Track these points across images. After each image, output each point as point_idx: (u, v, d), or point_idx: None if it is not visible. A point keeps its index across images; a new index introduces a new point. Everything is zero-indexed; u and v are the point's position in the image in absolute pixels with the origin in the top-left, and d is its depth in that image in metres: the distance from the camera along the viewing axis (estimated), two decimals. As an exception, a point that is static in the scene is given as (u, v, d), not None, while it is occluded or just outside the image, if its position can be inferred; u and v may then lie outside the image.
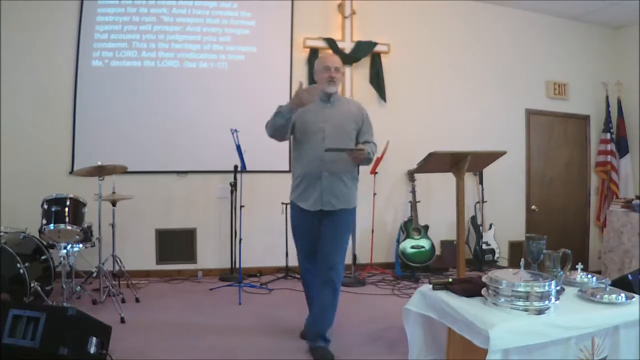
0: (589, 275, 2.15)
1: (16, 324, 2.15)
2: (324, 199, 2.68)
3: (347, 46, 5.02)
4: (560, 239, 5.24)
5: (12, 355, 2.11)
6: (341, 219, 2.74)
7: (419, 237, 4.85)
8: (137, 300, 3.73)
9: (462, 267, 2.75)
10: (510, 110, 5.64)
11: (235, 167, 4.43)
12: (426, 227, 4.93)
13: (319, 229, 2.73)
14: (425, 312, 2.07)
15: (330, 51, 4.93)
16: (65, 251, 3.25)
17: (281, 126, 2.60)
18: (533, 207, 5.70)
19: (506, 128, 5.58)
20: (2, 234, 3.35)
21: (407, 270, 4.81)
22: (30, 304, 2.86)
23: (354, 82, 5.06)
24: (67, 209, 3.32)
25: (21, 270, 3.09)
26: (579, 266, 2.19)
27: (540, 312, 1.70)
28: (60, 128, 4.49)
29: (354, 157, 2.67)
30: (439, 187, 5.12)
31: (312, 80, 4.93)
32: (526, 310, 1.70)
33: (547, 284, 1.74)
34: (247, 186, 4.51)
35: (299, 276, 3.66)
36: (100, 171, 3.48)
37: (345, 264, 5.13)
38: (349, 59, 5.01)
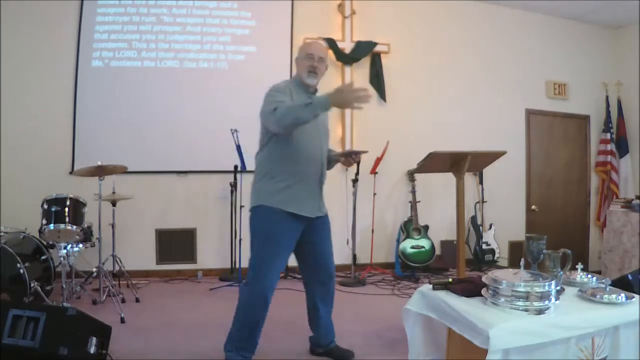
0: (589, 275, 2.14)
1: (16, 324, 2.15)
2: (320, 203, 2.52)
3: (347, 46, 5.02)
4: (560, 239, 5.23)
5: (12, 355, 2.11)
6: (328, 223, 2.62)
7: (419, 237, 4.85)
8: (137, 300, 3.73)
9: (462, 267, 2.75)
10: (510, 110, 5.64)
11: (235, 167, 4.43)
12: (426, 227, 4.93)
13: (307, 238, 2.50)
14: (425, 312, 2.06)
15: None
16: (65, 251, 3.25)
17: (304, 122, 2.22)
18: (533, 207, 5.70)
19: (506, 128, 5.58)
20: (2, 234, 3.35)
21: (407, 270, 4.80)
22: (30, 304, 2.85)
23: (354, 82, 5.06)
24: (67, 209, 3.32)
25: (21, 270, 3.09)
26: (579, 266, 2.19)
27: (540, 312, 1.70)
28: (60, 128, 4.49)
29: (353, 162, 2.53)
30: (439, 187, 5.12)
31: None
32: (526, 310, 1.70)
33: (547, 284, 1.74)
34: (247, 186, 4.49)
35: (299, 276, 3.59)
36: (100, 171, 3.48)
37: (344, 264, 5.14)
38: (349, 59, 5.01)
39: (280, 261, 2.42)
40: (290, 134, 2.36)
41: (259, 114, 2.45)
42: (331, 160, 2.63)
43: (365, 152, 2.53)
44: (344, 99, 2.11)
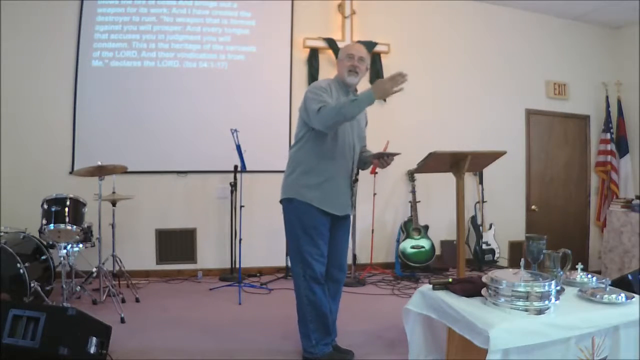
0: (589, 275, 2.15)
1: (16, 324, 2.15)
2: (349, 201, 2.62)
3: (347, 46, 5.01)
4: (560, 239, 5.23)
5: (12, 355, 2.11)
6: (349, 222, 2.73)
7: (419, 237, 4.85)
8: (137, 300, 3.73)
9: (462, 267, 2.75)
10: (510, 110, 5.64)
11: (235, 167, 4.43)
12: (426, 227, 4.93)
13: (329, 233, 2.56)
14: (425, 312, 2.07)
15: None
16: (65, 251, 3.24)
17: (350, 118, 2.33)
18: (533, 207, 5.70)
19: (506, 128, 5.58)
20: (2, 234, 3.35)
21: (407, 270, 4.81)
22: (30, 304, 2.85)
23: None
24: (67, 209, 3.31)
25: (21, 270, 3.09)
26: (579, 266, 2.19)
27: (540, 312, 1.70)
28: (61, 128, 4.49)
29: (385, 164, 2.56)
30: (439, 187, 5.12)
31: (312, 80, 4.94)
32: (526, 310, 1.70)
33: (547, 284, 1.74)
34: (247, 186, 4.51)
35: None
36: (100, 171, 3.48)
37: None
38: (349, 59, 5.01)
39: (322, 248, 2.48)
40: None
41: (299, 109, 2.52)
42: (366, 162, 2.73)
43: (398, 154, 2.57)
44: (384, 88, 2.18)
